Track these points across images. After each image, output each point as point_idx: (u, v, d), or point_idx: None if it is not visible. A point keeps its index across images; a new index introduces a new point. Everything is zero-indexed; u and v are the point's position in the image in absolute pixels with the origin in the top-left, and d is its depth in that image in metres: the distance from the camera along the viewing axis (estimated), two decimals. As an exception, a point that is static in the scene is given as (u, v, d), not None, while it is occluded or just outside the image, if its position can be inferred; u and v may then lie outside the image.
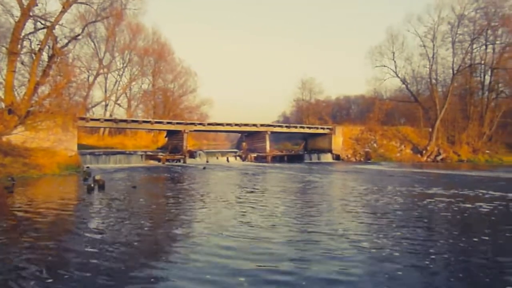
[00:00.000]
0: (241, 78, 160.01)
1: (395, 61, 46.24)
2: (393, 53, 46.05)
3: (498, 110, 44.61)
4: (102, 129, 44.14)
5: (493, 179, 22.11)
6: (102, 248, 7.07)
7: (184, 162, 32.35)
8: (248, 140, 39.58)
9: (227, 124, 36.19)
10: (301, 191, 15.97)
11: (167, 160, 31.99)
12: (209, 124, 37.03)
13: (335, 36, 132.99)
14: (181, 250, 7.03)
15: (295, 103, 60.93)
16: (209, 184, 17.99)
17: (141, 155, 31.79)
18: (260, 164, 33.32)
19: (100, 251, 6.88)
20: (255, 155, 36.13)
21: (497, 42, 44.19)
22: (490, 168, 31.98)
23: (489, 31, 43.49)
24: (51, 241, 7.56)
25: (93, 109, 46.25)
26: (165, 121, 35.34)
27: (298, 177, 21.79)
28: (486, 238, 8.14)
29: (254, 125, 37.22)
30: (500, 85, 46.21)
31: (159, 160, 31.65)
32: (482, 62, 44.87)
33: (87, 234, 8.03)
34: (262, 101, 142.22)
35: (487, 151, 42.51)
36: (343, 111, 66.42)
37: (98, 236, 7.90)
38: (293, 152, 41.68)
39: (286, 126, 41.94)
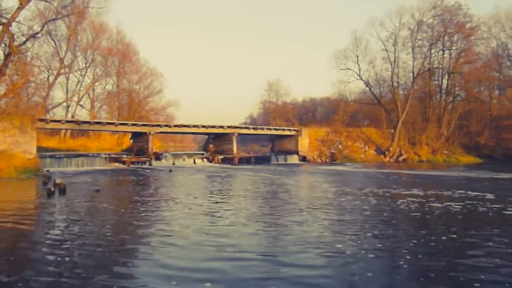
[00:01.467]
0: (209, 80, 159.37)
1: (359, 64, 47.58)
2: (357, 56, 47.38)
3: (455, 112, 46.78)
4: (63, 131, 42.57)
5: (453, 178, 23.12)
6: (61, 255, 6.81)
7: (150, 164, 31.78)
8: (215, 142, 39.41)
9: (194, 126, 35.87)
10: (268, 193, 16.04)
11: (132, 163, 31.31)
12: (175, 125, 36.55)
13: (302, 39, 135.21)
14: (143, 256, 6.84)
15: (262, 105, 61.29)
16: (175, 186, 17.76)
17: (105, 157, 30.94)
18: (227, 166, 33.26)
19: (59, 258, 6.63)
20: (222, 156, 36.01)
21: (453, 48, 46.41)
22: (448, 167, 33.41)
23: (446, 37, 45.57)
24: (7, 249, 7.23)
25: (54, 110, 44.55)
26: (130, 122, 34.58)
27: (265, 178, 21.92)
28: (454, 236, 8.50)
29: (221, 126, 37.10)
30: (456, 88, 48.44)
31: (124, 162, 30.92)
32: (440, 66, 46.96)
33: (46, 241, 7.72)
34: (230, 103, 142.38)
35: (445, 152, 44.43)
36: (309, 113, 67.42)
37: (58, 243, 7.62)
38: (260, 153, 41.92)
39: (253, 128, 42.11)
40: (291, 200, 13.50)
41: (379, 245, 7.57)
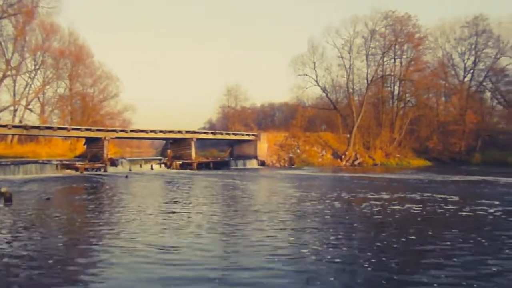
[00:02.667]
0: (167, 85, 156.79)
1: (316, 71, 48.74)
2: (314, 63, 48.53)
3: (406, 118, 49.03)
4: (10, 137, 40.26)
5: (407, 180, 24.14)
6: (4, 268, 6.44)
7: (105, 170, 30.74)
8: (173, 147, 38.81)
9: (151, 131, 35.16)
10: (228, 199, 15.99)
11: (86, 169, 30.16)
12: (132, 131, 35.65)
13: (261, 44, 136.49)
14: (93, 267, 6.58)
15: (221, 109, 61.16)
16: (130, 194, 17.28)
17: (57, 164, 29.56)
18: (186, 171, 32.85)
19: (2, 271, 6.26)
20: (180, 162, 35.53)
21: (404, 56, 48.82)
22: (401, 170, 34.87)
23: (397, 46, 47.83)
24: None
25: (0, 114, 42.06)
26: (83, 127, 33.31)
27: (224, 184, 21.87)
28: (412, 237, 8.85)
29: (180, 132, 36.63)
30: (407, 95, 50.88)
31: (76, 169, 29.70)
32: (392, 74, 49.11)
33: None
34: (188, 108, 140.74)
35: (398, 155, 46.38)
36: (268, 118, 68.02)
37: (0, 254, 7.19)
38: (219, 158, 41.75)
39: (212, 133, 41.91)
40: (252, 206, 13.48)
41: (341, 250, 7.72)
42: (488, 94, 52.13)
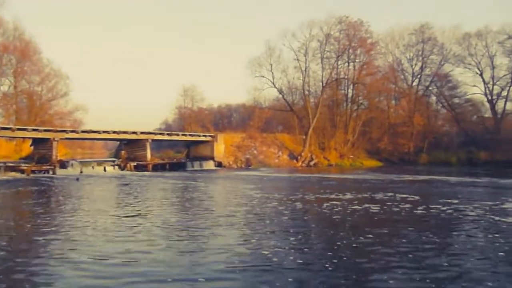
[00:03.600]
0: (121, 85, 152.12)
1: (272, 72, 49.28)
2: (271, 64, 49.05)
3: (359, 120, 50.83)
4: None
5: (362, 180, 24.99)
6: None
7: (54, 173, 29.32)
8: (127, 148, 37.77)
9: (104, 132, 33.99)
10: (185, 202, 15.78)
11: (33, 172, 28.61)
12: (83, 131, 34.24)
13: (218, 45, 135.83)
14: (29, 282, 6.01)
15: (177, 110, 60.16)
16: (80, 196, 16.62)
17: (0, 166, 27.84)
18: (141, 173, 32.08)
19: None
20: (135, 163, 34.63)
21: (357, 60, 50.61)
22: (354, 170, 36.05)
23: (350, 50, 49.50)
24: None
25: None
26: (30, 128, 31.59)
27: (180, 185, 21.57)
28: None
29: (134, 132, 35.70)
30: (360, 97, 52.76)
31: (22, 171, 28.12)
32: (346, 77, 50.73)
33: None
34: (144, 109, 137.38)
35: (351, 156, 47.89)
36: (225, 119, 67.84)
37: None
38: (175, 160, 41.10)
39: (168, 134, 41.22)
40: (210, 209, 13.35)
41: (301, 251, 7.84)
42: (433, 98, 55.15)
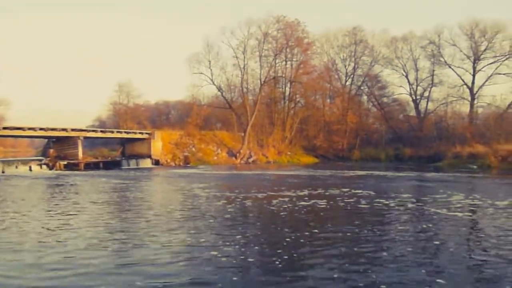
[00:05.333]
0: (51, 79, 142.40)
1: (211, 69, 48.89)
2: (210, 61, 48.62)
3: (296, 117, 52.27)
4: None
5: (302, 176, 25.67)
6: None
7: (-30, 173, 26.77)
8: (56, 146, 35.48)
9: (30, 129, 31.54)
10: (120, 202, 15.14)
11: None
12: (5, 128, 31.47)
13: (156, 41, 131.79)
14: None
15: (112, 107, 57.61)
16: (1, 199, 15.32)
17: None
18: (72, 172, 30.28)
19: None
20: (65, 162, 32.64)
21: (294, 59, 51.90)
22: (292, 167, 36.99)
23: (287, 49, 50.61)
24: None
25: None
26: None
27: (115, 185, 20.68)
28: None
29: (64, 129, 33.59)
30: (297, 96, 54.26)
31: None
32: (283, 75, 51.84)
33: None
34: (76, 105, 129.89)
35: (289, 153, 49.07)
36: (162, 116, 66.18)
37: None
38: (109, 158, 39.37)
39: (102, 131, 39.34)
40: (145, 209, 12.96)
41: (244, 248, 7.89)
42: (365, 97, 58.29)
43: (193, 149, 43.69)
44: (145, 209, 12.36)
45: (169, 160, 40.34)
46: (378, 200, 14.05)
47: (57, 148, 35.29)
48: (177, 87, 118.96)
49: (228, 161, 43.79)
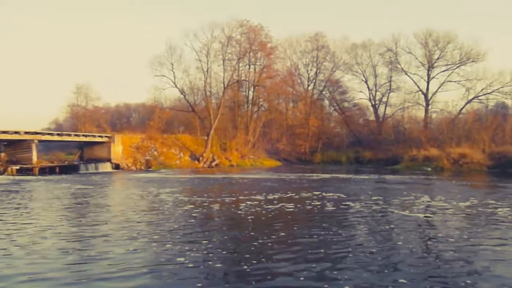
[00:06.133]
0: (1, 80, 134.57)
1: (174, 72, 48.26)
2: (172, 64, 47.98)
3: (259, 121, 52.58)
4: None
5: (267, 179, 25.74)
6: None
7: None
8: (8, 150, 33.66)
9: (-22, 132, 29.78)
10: (74, 209, 14.55)
11: None
12: (-50, 131, 29.57)
13: (117, 43, 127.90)
14: None
15: (69, 109, 55.53)
16: None
17: None
18: (25, 177, 28.73)
19: None
20: (17, 167, 30.99)
21: (257, 63, 52.31)
22: (255, 170, 37.07)
23: (251, 54, 50.88)
24: None
25: None
26: None
27: (72, 190, 19.80)
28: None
29: (17, 132, 31.93)
30: (260, 99, 54.62)
31: None
32: (247, 79, 52.05)
33: None
34: (30, 107, 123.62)
35: (252, 156, 49.20)
36: (123, 119, 64.60)
37: None
38: (66, 162, 37.81)
39: (58, 134, 37.77)
40: (103, 218, 12.52)
41: (202, 253, 7.77)
42: (326, 101, 59.66)
43: (155, 152, 42.87)
44: (105, 216, 11.93)
45: (130, 164, 39.32)
46: (343, 202, 14.38)
47: (9, 152, 33.52)
48: (138, 89, 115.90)
49: (191, 165, 43.30)
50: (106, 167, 37.35)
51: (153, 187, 20.77)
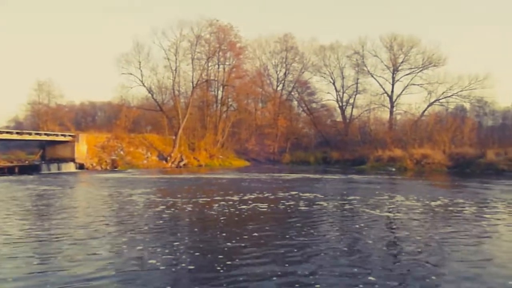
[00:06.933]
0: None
1: (141, 70, 47.25)
2: (140, 62, 46.97)
3: (228, 121, 52.47)
4: None
5: (238, 180, 25.66)
6: None
7: None
8: (-38, 149, 31.92)
9: None
10: (35, 211, 13.96)
11: None
12: None
13: (82, 39, 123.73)
14: None
15: (30, 106, 53.23)
16: None
17: None
18: (-19, 178, 27.34)
19: None
20: (-27, 167, 29.45)
21: (227, 63, 52.18)
22: (224, 171, 36.93)
23: (220, 53, 50.70)
24: None
25: None
26: None
27: (32, 191, 18.98)
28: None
29: (-28, 130, 30.33)
30: (229, 99, 54.53)
31: None
32: (216, 79, 51.77)
33: None
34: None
35: (221, 156, 49.02)
36: (88, 118, 62.68)
37: None
38: (27, 162, 36.24)
39: (18, 133, 36.07)
40: (69, 220, 12.07)
41: (175, 254, 7.63)
42: (295, 102, 60.37)
43: (122, 152, 41.86)
44: (69, 218, 11.46)
45: (95, 164, 38.19)
46: (315, 202, 14.56)
47: (-37, 151, 31.75)
48: (104, 87, 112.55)
49: (159, 164, 42.61)
50: (70, 167, 36.10)
51: (119, 188, 20.26)
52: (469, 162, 35.70)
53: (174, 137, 46.42)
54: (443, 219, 11.39)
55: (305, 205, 13.78)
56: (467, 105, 51.17)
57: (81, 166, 36.88)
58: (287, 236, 8.97)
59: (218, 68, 52.00)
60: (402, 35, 51.30)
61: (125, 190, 18.91)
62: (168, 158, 43.79)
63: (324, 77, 57.07)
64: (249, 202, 14.57)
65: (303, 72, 57.38)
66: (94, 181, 25.18)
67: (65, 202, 15.07)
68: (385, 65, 52.65)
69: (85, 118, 61.51)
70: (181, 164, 43.92)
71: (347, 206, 13.62)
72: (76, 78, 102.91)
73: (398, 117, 53.35)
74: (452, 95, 48.78)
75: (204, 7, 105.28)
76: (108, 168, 38.37)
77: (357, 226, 10.26)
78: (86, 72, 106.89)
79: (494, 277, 6.24)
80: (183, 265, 6.80)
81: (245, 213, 12.14)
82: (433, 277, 6.16)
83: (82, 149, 38.16)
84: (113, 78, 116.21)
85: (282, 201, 14.77)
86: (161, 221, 10.85)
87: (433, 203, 14.28)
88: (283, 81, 58.08)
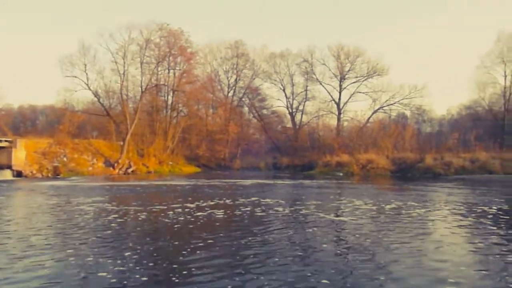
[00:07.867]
0: None
1: (87, 73, 45.40)
2: (85, 65, 45.13)
3: (179, 127, 51.73)
4: None
5: (187, 186, 25.15)
6: None
7: None
8: None
9: None
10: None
11: None
12: None
13: (23, 39, 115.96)
14: None
15: (-40, 109, 49.23)
16: None
17: None
18: None
19: None
20: None
21: (177, 68, 51.53)
22: (175, 177, 36.23)
23: (171, 58, 50.00)
24: None
25: None
26: None
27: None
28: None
29: None
30: (180, 105, 53.81)
31: None
32: (166, 83, 50.88)
33: None
34: None
35: (170, 162, 48.14)
36: (27, 122, 58.99)
37: None
38: (-44, 170, 33.36)
39: None
40: (5, 231, 11.30)
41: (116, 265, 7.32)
42: (246, 108, 60.78)
43: (65, 159, 39.77)
44: (7, 230, 10.70)
45: (34, 171, 35.93)
46: (270, 207, 14.59)
47: None
48: (46, 90, 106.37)
49: (105, 171, 40.97)
50: (6, 174, 33.69)
51: (60, 196, 19.14)
52: (410, 167, 37.79)
53: (122, 143, 44.89)
54: (392, 221, 11.90)
55: (260, 211, 13.79)
56: (407, 113, 54.34)
57: (19, 174, 34.55)
58: (242, 242, 8.92)
59: (168, 72, 51.30)
60: (348, 45, 53.59)
61: (66, 199, 17.91)
62: (116, 164, 42.25)
63: (275, 84, 58.10)
64: (205, 209, 14.35)
65: (254, 79, 58.02)
66: (34, 190, 23.63)
67: (0, 212, 13.99)
68: (333, 73, 54.64)
69: (24, 123, 57.87)
70: (129, 170, 42.56)
71: (302, 211, 13.81)
72: (15, 79, 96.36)
73: (345, 123, 55.47)
74: (394, 103, 51.59)
75: (155, 12, 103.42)
76: (49, 175, 36.27)
77: (311, 230, 10.44)
78: (26, 74, 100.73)
79: (434, 271, 6.59)
80: (137, 276, 6.52)
81: (201, 220, 11.95)
82: (382, 278, 6.39)
83: (20, 155, 35.75)
84: (56, 81, 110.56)
85: (237, 208, 14.70)
86: (109, 231, 10.37)
87: (383, 206, 14.90)
88: (234, 87, 58.31)
